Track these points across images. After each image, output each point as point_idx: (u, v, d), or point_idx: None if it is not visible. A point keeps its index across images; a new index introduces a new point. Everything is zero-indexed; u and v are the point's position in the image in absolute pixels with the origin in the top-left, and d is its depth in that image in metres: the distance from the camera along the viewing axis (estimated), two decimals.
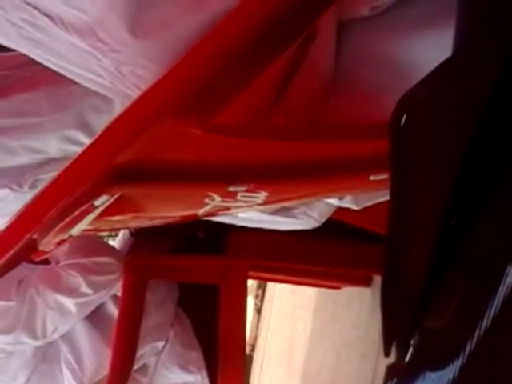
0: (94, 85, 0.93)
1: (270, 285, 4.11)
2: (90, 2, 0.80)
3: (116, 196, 0.96)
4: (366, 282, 2.46)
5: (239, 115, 0.97)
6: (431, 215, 0.55)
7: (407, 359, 0.56)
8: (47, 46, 0.88)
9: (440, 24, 0.97)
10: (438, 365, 0.49)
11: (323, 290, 2.93)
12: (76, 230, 1.08)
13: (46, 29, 0.85)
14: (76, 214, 0.95)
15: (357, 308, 2.66)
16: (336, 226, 1.90)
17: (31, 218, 0.89)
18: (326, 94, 1.07)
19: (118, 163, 0.86)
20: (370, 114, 1.01)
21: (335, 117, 1.07)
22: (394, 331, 0.58)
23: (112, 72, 0.89)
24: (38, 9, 0.83)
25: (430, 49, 0.97)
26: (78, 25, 0.83)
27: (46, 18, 0.84)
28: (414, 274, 0.57)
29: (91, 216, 1.00)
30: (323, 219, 1.64)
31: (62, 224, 0.97)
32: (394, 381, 0.55)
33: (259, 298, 4.29)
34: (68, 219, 0.96)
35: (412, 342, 0.55)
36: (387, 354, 0.57)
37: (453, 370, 0.48)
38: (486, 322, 0.45)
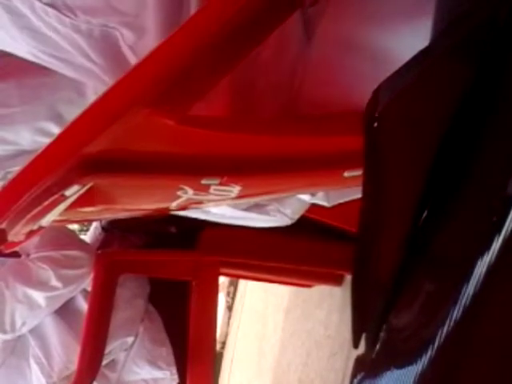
0: (78, 69, 0.94)
1: (242, 282, 4.11)
2: None
3: (87, 187, 0.95)
4: (338, 280, 2.47)
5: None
6: (402, 212, 0.55)
7: (375, 353, 0.56)
8: (44, 34, 0.89)
9: (419, 13, 0.97)
10: (404, 362, 0.49)
11: (295, 288, 2.94)
12: (46, 221, 1.08)
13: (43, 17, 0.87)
14: (46, 203, 0.94)
15: (328, 307, 2.67)
16: (309, 224, 1.91)
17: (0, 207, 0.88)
18: (292, 84, 1.06)
19: (90, 153, 0.86)
20: (348, 102, 1.01)
21: (313, 104, 1.06)
22: (363, 323, 0.58)
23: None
24: None
25: (410, 37, 0.97)
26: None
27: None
28: (383, 270, 0.57)
29: (62, 206, 0.99)
30: (296, 216, 1.64)
31: (31, 214, 0.96)
32: (362, 374, 0.55)
33: (230, 295, 4.29)
34: (38, 209, 0.95)
35: (380, 335, 0.55)
36: (356, 345, 0.57)
37: (421, 363, 0.48)
38: (457, 314, 0.45)
